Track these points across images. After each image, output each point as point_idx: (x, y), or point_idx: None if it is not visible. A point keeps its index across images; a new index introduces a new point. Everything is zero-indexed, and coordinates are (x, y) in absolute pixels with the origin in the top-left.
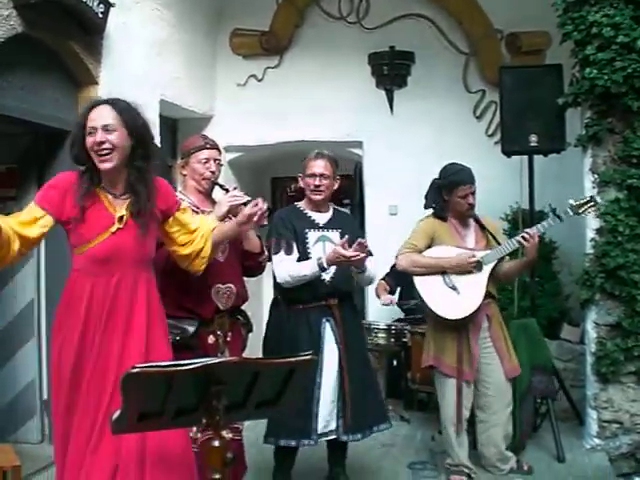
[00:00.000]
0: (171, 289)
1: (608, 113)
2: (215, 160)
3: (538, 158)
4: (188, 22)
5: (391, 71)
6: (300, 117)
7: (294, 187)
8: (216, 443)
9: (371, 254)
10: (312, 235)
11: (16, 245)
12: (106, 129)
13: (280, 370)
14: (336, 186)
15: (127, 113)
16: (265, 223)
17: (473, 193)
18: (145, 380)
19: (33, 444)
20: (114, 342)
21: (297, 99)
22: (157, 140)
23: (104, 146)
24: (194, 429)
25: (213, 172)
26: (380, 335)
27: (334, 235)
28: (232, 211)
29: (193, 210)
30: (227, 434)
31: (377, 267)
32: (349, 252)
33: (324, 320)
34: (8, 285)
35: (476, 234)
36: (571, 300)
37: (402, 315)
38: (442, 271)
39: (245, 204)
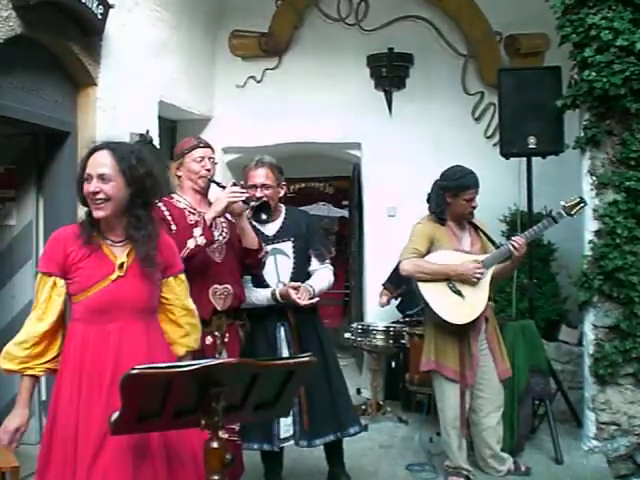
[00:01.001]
0: None
1: (606, 115)
2: (210, 158)
3: (536, 160)
4: (187, 23)
5: (390, 73)
6: (299, 118)
7: (293, 189)
8: (215, 444)
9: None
10: None
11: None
12: (102, 178)
13: (279, 372)
14: (282, 193)
15: (126, 162)
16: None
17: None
18: (144, 381)
19: (31, 445)
20: (103, 395)
21: (296, 100)
22: (156, 141)
23: (98, 196)
24: None
25: (209, 170)
26: (378, 337)
27: (286, 246)
28: (230, 208)
29: (189, 212)
30: (223, 434)
31: (327, 276)
32: (301, 302)
33: (279, 324)
34: (6, 286)
35: (471, 237)
36: (569, 302)
37: (400, 317)
38: (446, 277)
39: (244, 201)
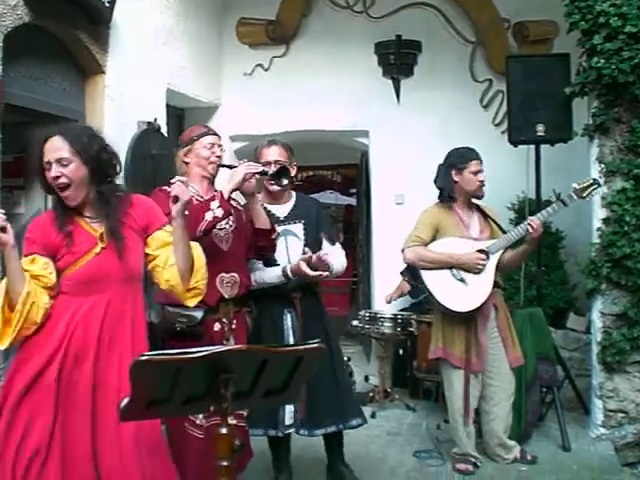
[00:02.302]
0: None
1: (615, 103)
2: (219, 146)
3: (545, 147)
4: (194, 11)
5: (398, 60)
6: (306, 106)
7: (300, 176)
8: (224, 431)
9: (329, 269)
10: None
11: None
12: (60, 163)
13: (288, 358)
14: (293, 173)
15: (79, 142)
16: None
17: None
18: (154, 368)
19: None
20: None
21: (303, 88)
22: (164, 129)
23: (60, 180)
24: (200, 416)
25: (219, 156)
26: (386, 324)
27: (297, 228)
28: (245, 184)
29: (197, 200)
30: (231, 420)
31: (340, 257)
32: (311, 272)
33: (286, 311)
34: None
35: (480, 223)
36: (577, 289)
37: (408, 304)
38: (449, 266)
39: (261, 173)
